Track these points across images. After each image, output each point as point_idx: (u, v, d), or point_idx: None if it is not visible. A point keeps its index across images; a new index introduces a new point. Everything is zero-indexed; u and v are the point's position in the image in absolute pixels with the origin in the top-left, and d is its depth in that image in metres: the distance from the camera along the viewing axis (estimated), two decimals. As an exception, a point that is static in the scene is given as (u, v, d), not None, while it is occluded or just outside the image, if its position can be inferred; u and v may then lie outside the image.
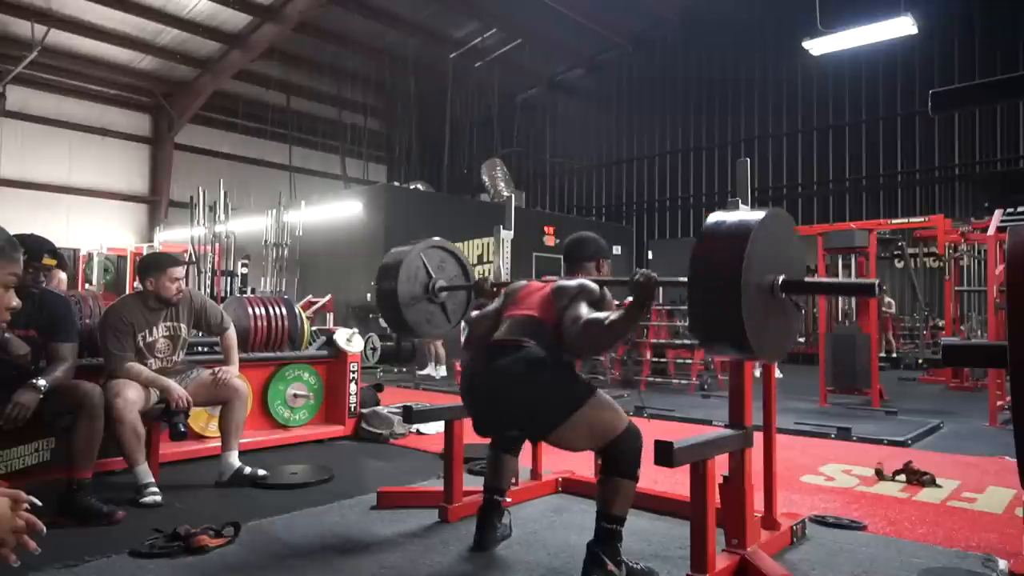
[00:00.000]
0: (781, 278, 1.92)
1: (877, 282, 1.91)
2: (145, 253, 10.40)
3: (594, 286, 2.33)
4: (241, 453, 3.52)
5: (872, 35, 8.90)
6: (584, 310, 2.19)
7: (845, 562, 2.46)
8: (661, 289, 9.31)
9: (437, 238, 3.13)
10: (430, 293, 2.97)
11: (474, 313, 2.66)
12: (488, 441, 2.65)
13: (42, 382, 2.86)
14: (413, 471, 3.79)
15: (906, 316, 12.42)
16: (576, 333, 2.14)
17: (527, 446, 2.89)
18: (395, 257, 2.96)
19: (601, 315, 2.15)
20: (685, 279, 1.92)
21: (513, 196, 7.45)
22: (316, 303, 8.79)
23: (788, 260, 1.99)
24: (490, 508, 2.59)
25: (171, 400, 3.21)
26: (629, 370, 8.10)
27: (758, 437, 2.53)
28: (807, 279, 2.04)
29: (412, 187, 13.00)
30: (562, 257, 2.62)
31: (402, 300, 2.87)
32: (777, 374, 2.62)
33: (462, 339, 3.62)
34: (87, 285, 11.80)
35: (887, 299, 11.91)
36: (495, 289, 2.85)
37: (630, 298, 2.08)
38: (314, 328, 5.11)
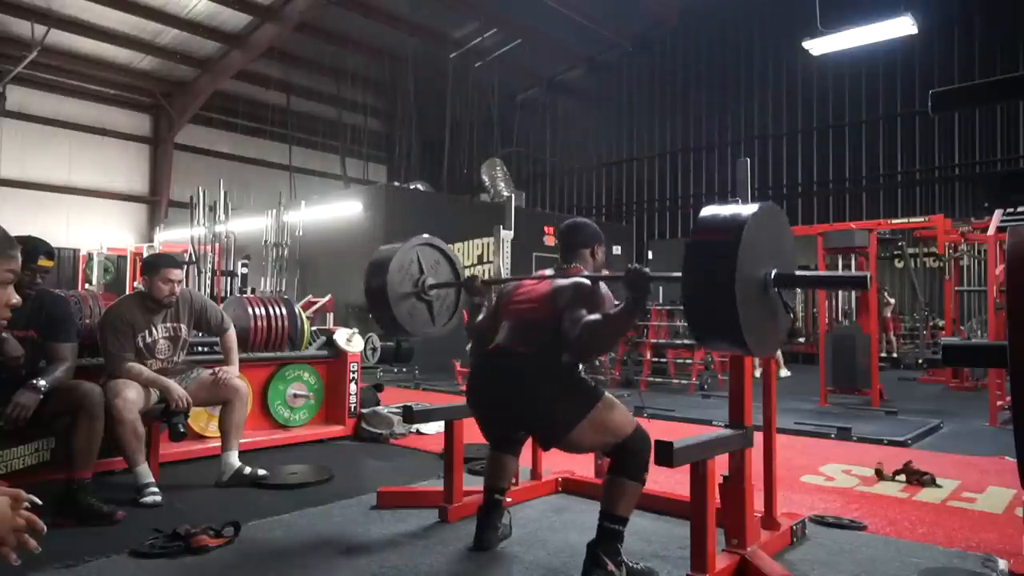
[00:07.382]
0: (774, 271, 1.93)
1: (868, 275, 1.92)
2: (145, 253, 10.42)
3: (588, 283, 2.32)
4: (241, 453, 3.52)
5: (872, 35, 8.90)
6: (582, 312, 2.19)
7: (845, 562, 2.46)
8: (661, 288, 9.40)
9: (426, 235, 3.01)
10: (419, 289, 2.90)
11: (478, 316, 2.67)
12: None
13: (42, 382, 2.87)
14: (413, 471, 3.80)
15: (906, 316, 12.42)
16: (575, 336, 2.15)
17: (527, 446, 2.89)
18: (386, 253, 2.88)
19: (598, 316, 2.15)
20: (680, 274, 1.92)
21: (513, 196, 7.46)
22: (316, 303, 8.77)
23: (781, 254, 2.00)
24: (490, 508, 2.59)
25: (171, 400, 3.22)
26: (629, 370, 8.10)
27: (758, 437, 2.53)
28: (798, 273, 2.05)
29: (412, 187, 12.99)
30: (558, 243, 2.59)
31: (392, 296, 2.78)
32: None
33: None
34: (87, 285, 11.79)
35: (888, 299, 11.90)
36: (485, 286, 2.78)
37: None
38: (314, 328, 5.10)
